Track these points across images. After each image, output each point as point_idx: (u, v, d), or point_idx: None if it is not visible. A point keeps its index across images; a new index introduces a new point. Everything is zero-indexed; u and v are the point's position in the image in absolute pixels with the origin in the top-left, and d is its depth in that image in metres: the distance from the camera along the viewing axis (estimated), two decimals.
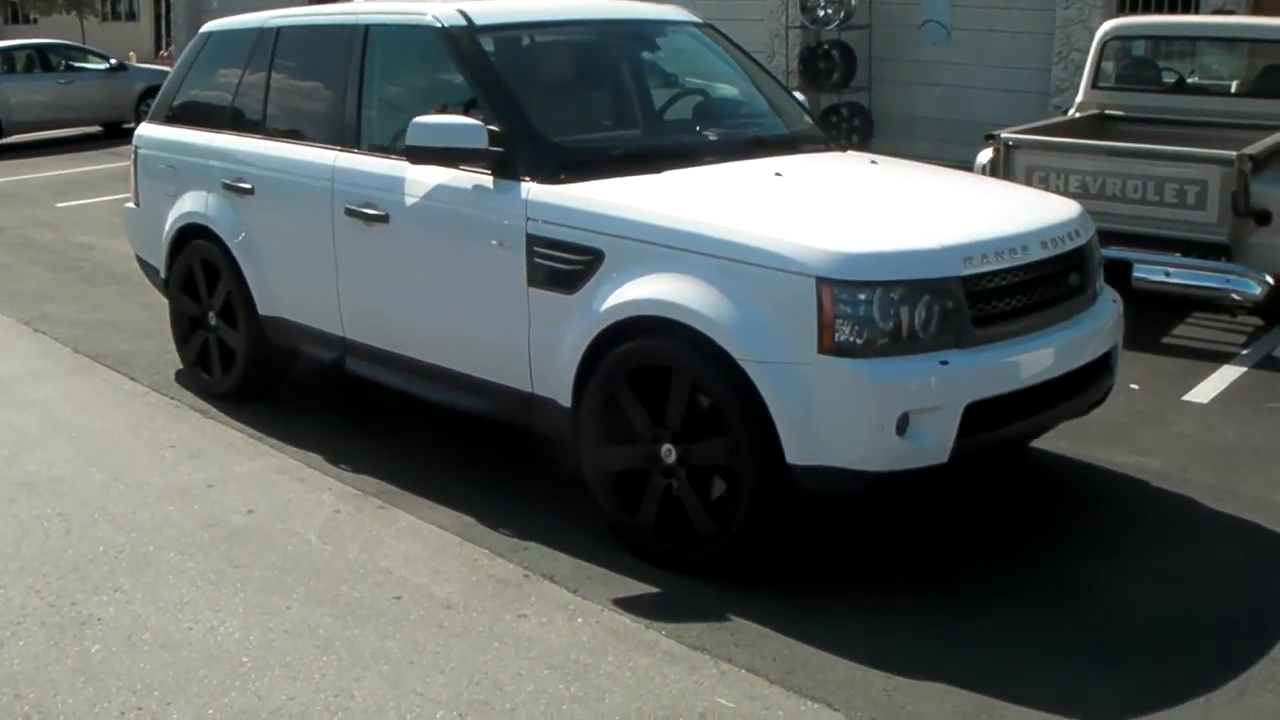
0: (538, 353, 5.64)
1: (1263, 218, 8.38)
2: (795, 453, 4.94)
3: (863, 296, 4.82)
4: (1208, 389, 7.73)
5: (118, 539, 5.58)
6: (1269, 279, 8.30)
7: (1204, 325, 9.06)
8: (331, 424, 7.00)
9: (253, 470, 6.35)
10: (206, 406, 7.29)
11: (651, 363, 5.24)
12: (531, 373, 5.69)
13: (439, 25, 6.24)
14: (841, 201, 5.74)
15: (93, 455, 6.54)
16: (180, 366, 7.77)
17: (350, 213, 6.32)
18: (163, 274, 7.67)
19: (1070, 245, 5.56)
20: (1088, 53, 10.81)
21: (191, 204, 7.33)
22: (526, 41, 6.58)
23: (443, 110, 6.00)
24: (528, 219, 5.58)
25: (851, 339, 4.83)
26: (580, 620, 4.93)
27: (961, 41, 14.88)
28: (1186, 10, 13.38)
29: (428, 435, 6.81)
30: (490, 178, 5.76)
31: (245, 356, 7.18)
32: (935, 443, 4.94)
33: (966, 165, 6.73)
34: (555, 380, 5.57)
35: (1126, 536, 5.70)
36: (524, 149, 5.75)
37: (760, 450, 4.98)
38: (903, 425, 4.87)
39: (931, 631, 4.88)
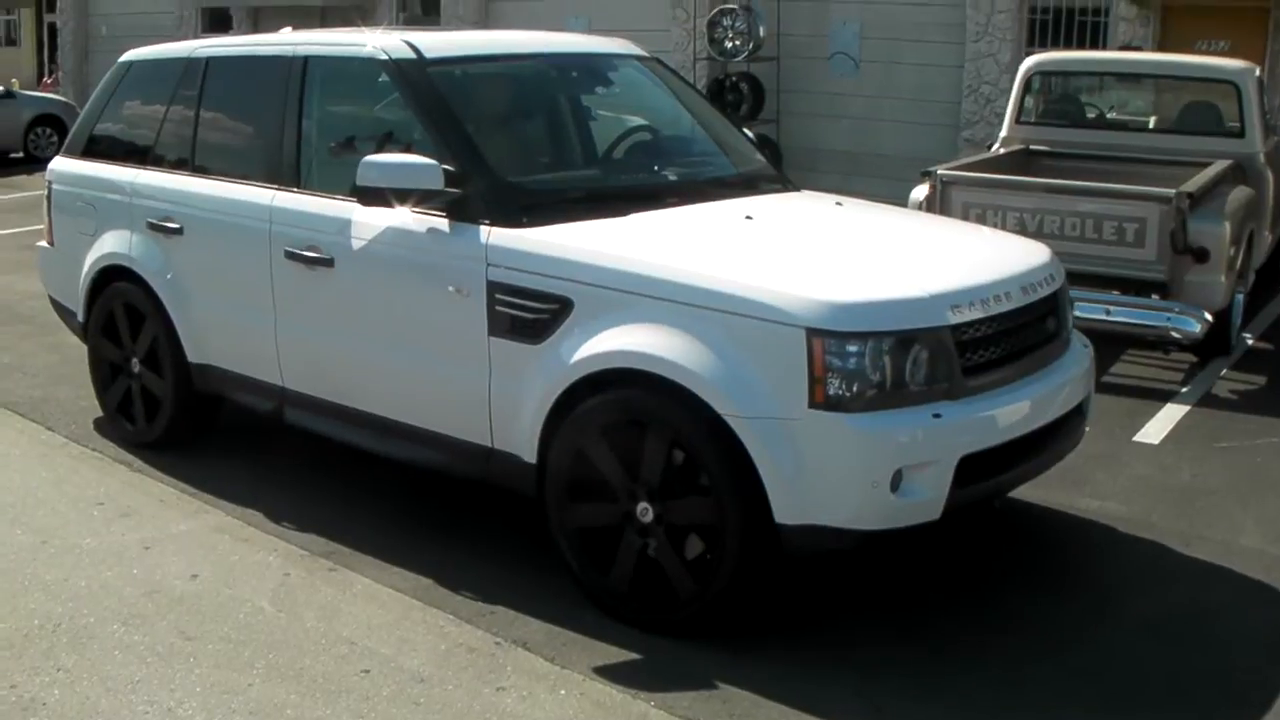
0: (499, 405, 5.35)
1: (1200, 255, 8.33)
2: (785, 512, 4.71)
3: (854, 348, 4.61)
4: (1156, 429, 7.66)
5: (54, 610, 5.15)
6: (1208, 317, 8.23)
7: (1141, 363, 9.00)
8: (268, 477, 6.62)
9: (190, 530, 5.95)
10: (131, 458, 6.86)
11: (627, 417, 4.98)
12: (492, 426, 5.40)
13: (386, 58, 5.93)
14: (820, 247, 5.52)
15: (15, 514, 6.09)
16: (100, 414, 7.34)
17: (291, 255, 5.98)
18: (80, 317, 7.25)
19: (1047, 290, 5.43)
20: (997, 85, 10.78)
21: (113, 244, 6.93)
22: (478, 76, 6.27)
23: (386, 147, 5.72)
24: (488, 264, 5.29)
25: (843, 392, 4.62)
26: (563, 692, 4.64)
27: (870, 74, 14.82)
28: (1095, 43, 13.38)
29: (374, 489, 6.45)
30: (446, 220, 5.46)
31: (172, 405, 6.80)
32: (930, 498, 4.75)
33: (877, 199, 6.61)
34: (518, 434, 5.29)
35: (1104, 583, 5.59)
36: (482, 190, 5.47)
37: (747, 509, 4.75)
38: (896, 481, 4.67)
39: (925, 686, 4.69)
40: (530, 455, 5.24)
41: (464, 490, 6.04)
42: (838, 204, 6.21)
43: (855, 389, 4.62)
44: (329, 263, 5.83)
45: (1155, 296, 8.37)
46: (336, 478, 6.57)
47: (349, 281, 5.81)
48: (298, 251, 5.95)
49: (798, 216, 6.00)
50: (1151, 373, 8.84)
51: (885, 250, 5.56)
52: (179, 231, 6.57)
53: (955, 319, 4.85)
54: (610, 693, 4.63)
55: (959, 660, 4.89)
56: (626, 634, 5.01)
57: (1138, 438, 7.46)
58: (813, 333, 4.59)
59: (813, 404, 4.62)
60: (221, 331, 6.49)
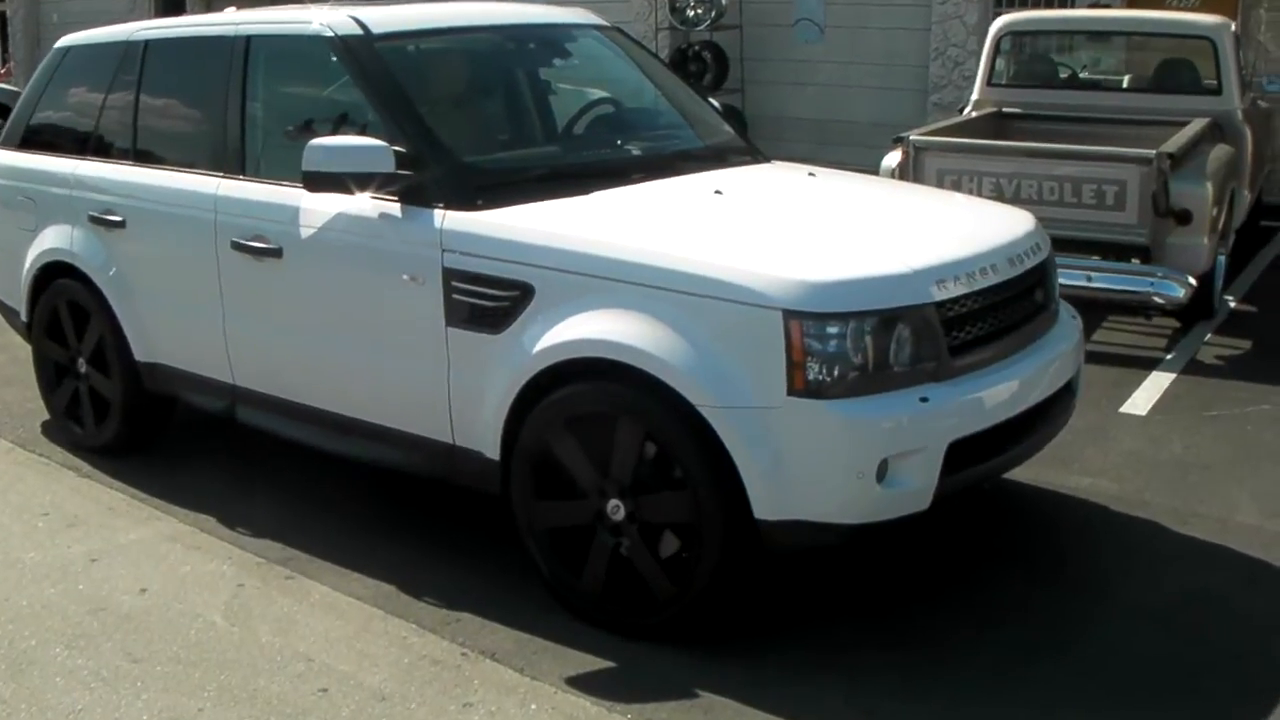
0: (459, 399, 5.05)
1: (1183, 217, 8.05)
2: (764, 507, 4.42)
3: (835, 330, 4.33)
4: (1143, 399, 7.39)
5: None
6: (1191, 280, 7.96)
7: (1122, 330, 8.74)
8: (223, 480, 6.27)
9: (140, 539, 5.61)
10: (79, 463, 6.52)
11: (594, 409, 4.69)
12: (452, 422, 5.10)
13: (331, 35, 5.58)
14: (794, 222, 5.21)
15: None
16: (47, 417, 6.99)
17: (237, 246, 5.65)
18: (24, 316, 6.91)
19: (1034, 260, 5.15)
20: (964, 48, 10.48)
21: (54, 239, 6.58)
22: (429, 52, 5.92)
23: (337, 130, 5.41)
24: (444, 250, 4.97)
25: (824, 378, 4.34)
26: (534, 707, 4.34)
27: (835, 40, 14.44)
28: (1065, 2, 13.06)
29: (332, 491, 6.10)
30: (398, 205, 5.14)
31: (121, 406, 6.45)
32: (918, 488, 4.47)
33: (848, 167, 6.35)
34: (480, 430, 4.99)
35: (1099, 568, 5.32)
36: (435, 172, 5.14)
37: (725, 505, 4.47)
38: (882, 471, 4.39)
39: (917, 688, 4.42)
40: (493, 452, 4.96)
41: (425, 490, 5.74)
42: (810, 175, 5.91)
43: (837, 373, 4.34)
44: (277, 253, 5.51)
45: (1135, 261, 8.07)
46: (293, 480, 6.24)
47: (298, 272, 5.49)
48: (244, 242, 5.63)
49: (769, 190, 5.69)
50: (1134, 339, 8.57)
51: (863, 223, 5.27)
52: (121, 224, 6.23)
53: (940, 295, 4.57)
54: (584, 705, 4.34)
55: (952, 658, 4.62)
56: (601, 640, 4.73)
57: (1125, 409, 7.19)
58: (790, 315, 4.31)
59: (792, 391, 4.34)
60: (169, 328, 6.17)
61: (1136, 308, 8.14)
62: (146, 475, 6.30)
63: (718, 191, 5.35)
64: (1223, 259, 8.90)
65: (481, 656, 4.65)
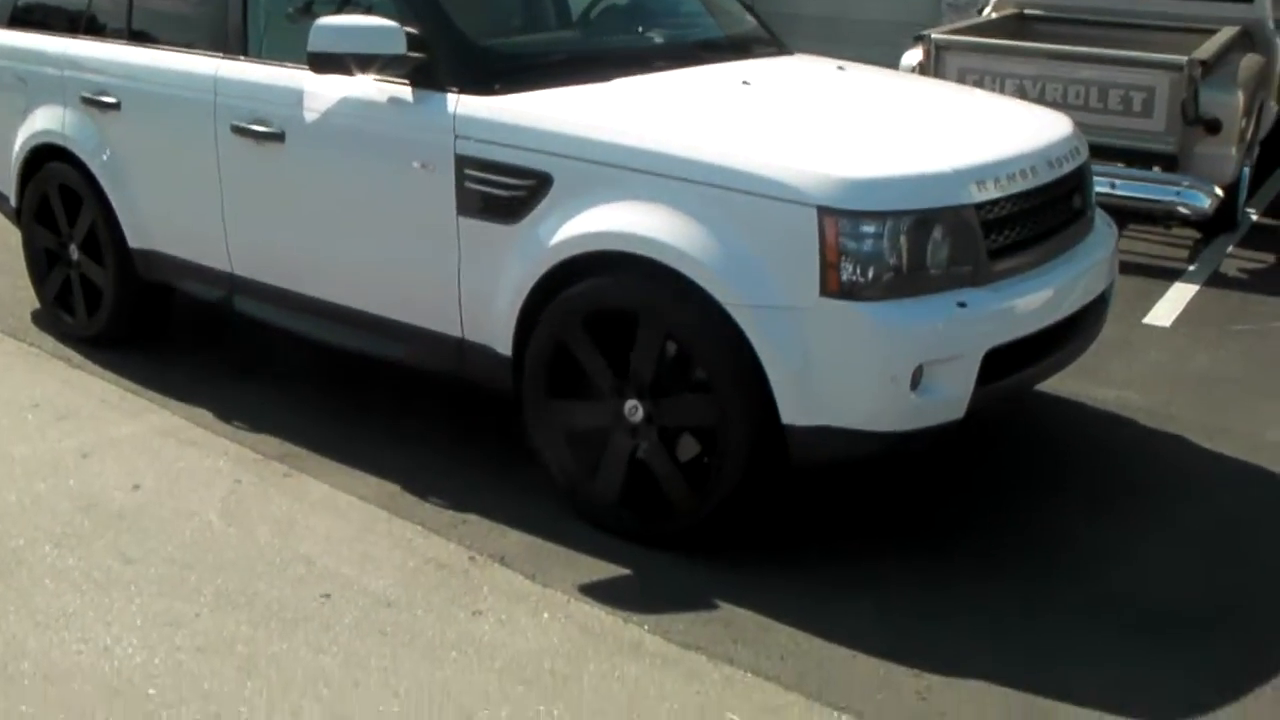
0: (470, 292, 4.83)
1: (1212, 126, 7.77)
2: (792, 411, 4.22)
3: (872, 229, 4.10)
4: (1166, 311, 7.17)
5: None
6: (1218, 191, 7.71)
7: (1143, 239, 8.50)
8: (220, 373, 6.02)
9: (133, 433, 5.37)
10: (71, 353, 6.26)
11: (614, 306, 4.48)
12: (462, 316, 4.89)
13: None
14: (827, 117, 4.95)
15: None
16: (37, 306, 6.72)
17: (238, 130, 5.36)
18: (13, 202, 6.61)
19: (1073, 164, 4.90)
20: None
21: (45, 121, 6.27)
22: None
23: (343, 9, 5.14)
24: (457, 136, 4.72)
25: (859, 279, 4.12)
26: (546, 616, 4.14)
27: None
28: None
29: (333, 385, 5.88)
30: (409, 88, 4.87)
31: (114, 295, 6.19)
32: (952, 396, 4.27)
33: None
34: (491, 325, 4.79)
35: (1131, 487, 5.11)
36: (449, 54, 4.88)
37: (751, 409, 4.27)
38: (917, 378, 4.19)
39: (953, 608, 4.22)
40: (505, 348, 4.76)
41: (430, 387, 5.51)
42: (839, 69, 5.64)
43: (872, 275, 4.13)
44: (279, 138, 5.24)
45: (1156, 169, 7.80)
46: (292, 373, 6.01)
47: (302, 158, 5.22)
48: (245, 126, 5.34)
49: (798, 82, 5.41)
50: (1155, 249, 8.33)
51: (899, 120, 5.01)
52: (116, 106, 5.93)
53: (980, 196, 4.33)
54: (599, 616, 4.14)
55: (984, 579, 4.40)
56: (615, 547, 4.52)
57: (1148, 320, 6.99)
58: (825, 212, 4.08)
59: (825, 292, 4.13)
60: (164, 214, 5.89)
61: (1159, 217, 7.91)
62: (140, 367, 6.04)
63: (745, 82, 5.09)
64: (1247, 171, 8.64)
65: (490, 561, 4.45)
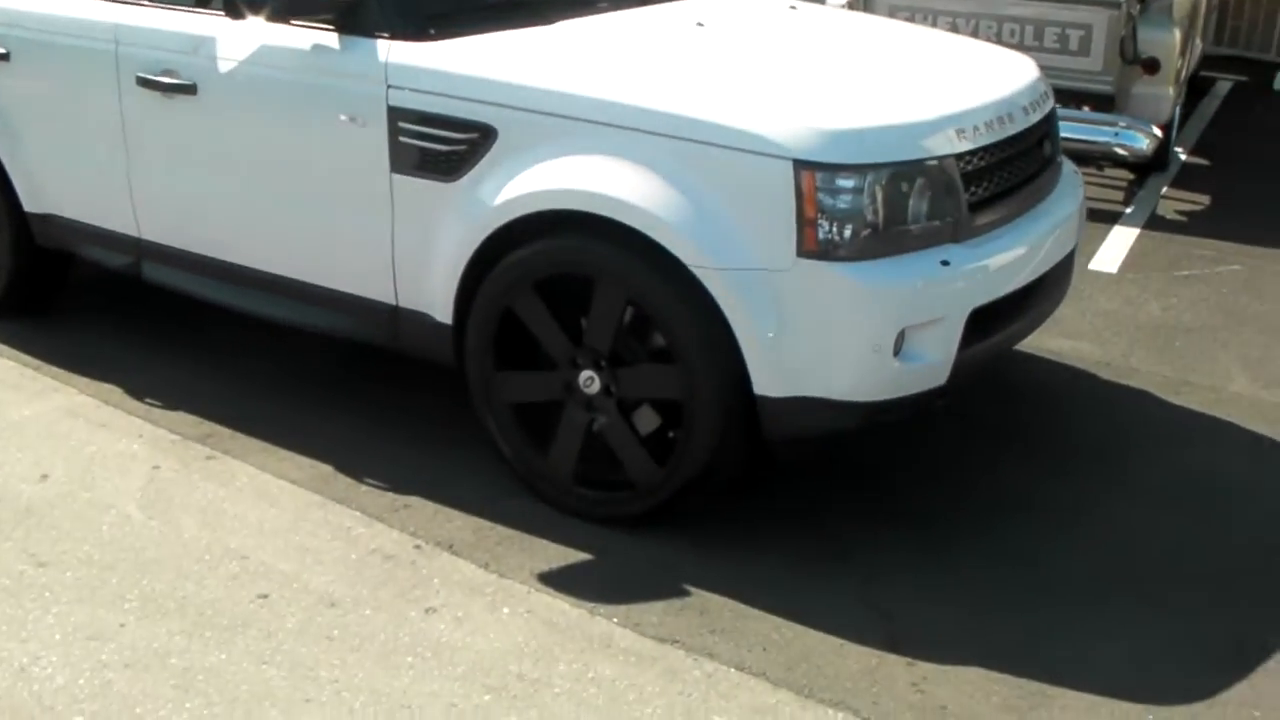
0: (405, 256, 4.46)
1: (1150, 65, 7.53)
2: (767, 382, 3.92)
3: (850, 183, 3.80)
4: (1110, 255, 6.92)
5: None
6: (1156, 132, 7.47)
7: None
8: (130, 345, 5.51)
9: (36, 414, 4.90)
10: None
11: (567, 269, 4.14)
12: (396, 281, 4.52)
13: None
14: (793, 62, 4.59)
15: None
16: None
17: (144, 82, 4.88)
18: None
19: (1044, 109, 4.64)
20: None
21: None
22: None
23: None
24: (389, 87, 4.32)
25: (838, 237, 3.82)
26: (506, 611, 3.79)
27: None
28: None
29: (255, 356, 5.44)
30: (335, 34, 4.45)
31: (9, 263, 5.68)
32: (936, 361, 3.99)
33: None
34: (429, 291, 4.43)
35: (1098, 444, 4.88)
36: None
37: (720, 380, 3.97)
38: (899, 343, 3.90)
39: (934, 584, 3.99)
40: (445, 315, 4.41)
41: (363, 356, 5.12)
42: (791, 7, 5.30)
43: (851, 233, 3.82)
44: (190, 89, 4.78)
45: (1086, 109, 7.53)
46: (208, 345, 5.53)
47: (216, 111, 4.77)
48: (152, 77, 4.87)
49: (754, 24, 5.05)
50: (1092, 191, 7.99)
51: (866, 64, 4.67)
52: (5, 57, 5.40)
53: (961, 146, 4.03)
54: (563, 608, 3.81)
55: (965, 549, 4.17)
56: (572, 529, 4.21)
57: (1094, 266, 6.73)
58: (802, 165, 3.76)
59: (802, 252, 3.82)
60: (64, 175, 5.39)
61: (1095, 158, 7.64)
62: (42, 341, 5.54)
63: (699, 24, 4.75)
64: (1178, 110, 8.40)
65: (438, 549, 4.10)
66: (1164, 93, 7.65)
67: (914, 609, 3.84)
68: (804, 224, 3.79)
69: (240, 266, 4.93)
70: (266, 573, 3.94)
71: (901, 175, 3.87)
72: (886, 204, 3.86)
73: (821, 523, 4.30)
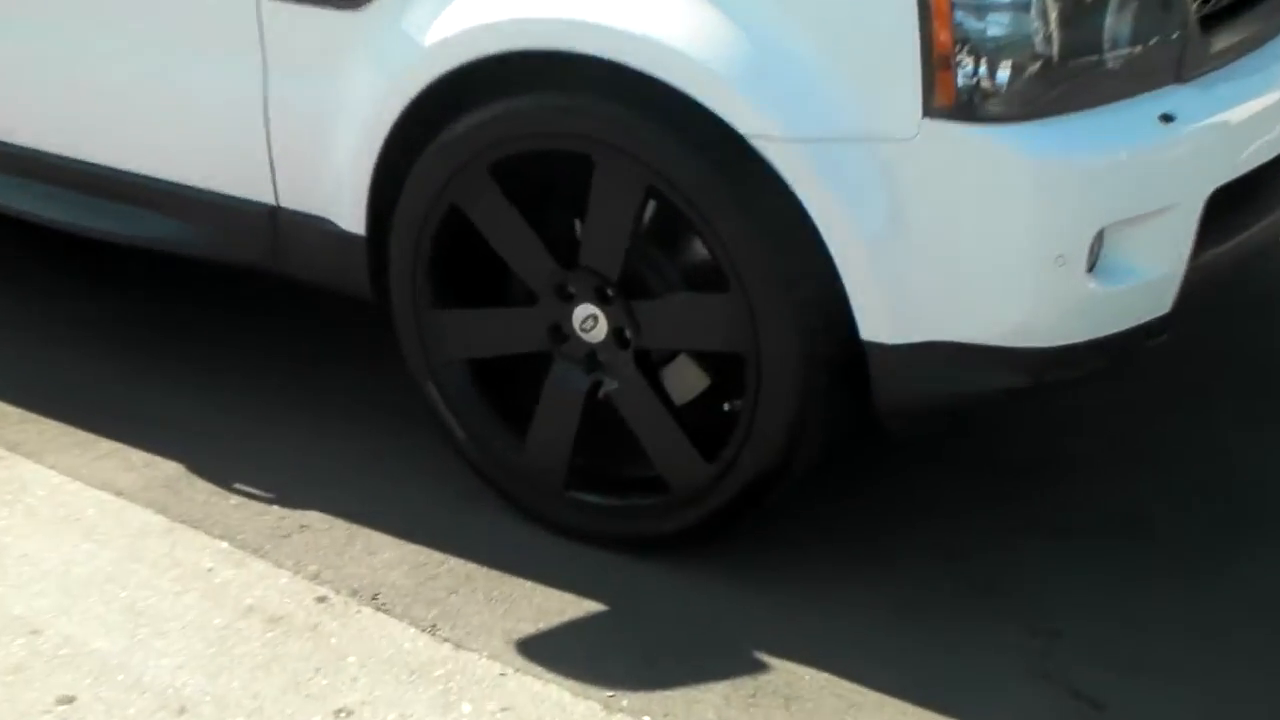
0: (286, 129, 4.23)
1: None
2: (880, 322, 3.52)
3: None
4: None
5: None
6: None
7: None
8: None
9: None
10: None
11: (552, 146, 3.80)
12: (274, 169, 4.31)
13: None
14: None
15: None
16: None
17: None
18: None
19: None
20: None
21: None
22: None
23: None
24: None
25: (989, 83, 3.42)
26: (468, 710, 3.35)
27: None
28: None
29: (65, 297, 5.25)
30: None
31: None
32: (1155, 276, 3.61)
33: None
34: (327, 183, 4.20)
35: None
36: None
37: (803, 318, 3.60)
38: (1096, 251, 3.52)
39: (1157, 662, 3.56)
40: (353, 221, 4.17)
41: (223, 294, 5.07)
42: None
43: (1011, 74, 3.42)
44: None
45: None
46: None
47: None
48: None
49: None
50: None
51: None
52: None
53: None
54: (559, 700, 3.39)
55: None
56: (568, 559, 3.90)
57: None
58: None
59: (932, 110, 3.39)
60: None
61: None
62: None
63: None
64: None
65: (355, 603, 3.70)
66: None
67: (1128, 693, 3.42)
68: (934, 63, 3.39)
69: (41, 154, 4.81)
70: (71, 659, 3.49)
71: None
72: (1066, 23, 3.48)
73: (942, 538, 3.96)
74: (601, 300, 3.82)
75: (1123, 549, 3.92)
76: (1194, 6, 3.64)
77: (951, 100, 3.40)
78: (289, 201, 4.29)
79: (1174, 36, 3.60)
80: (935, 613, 3.71)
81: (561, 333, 3.89)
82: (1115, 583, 3.80)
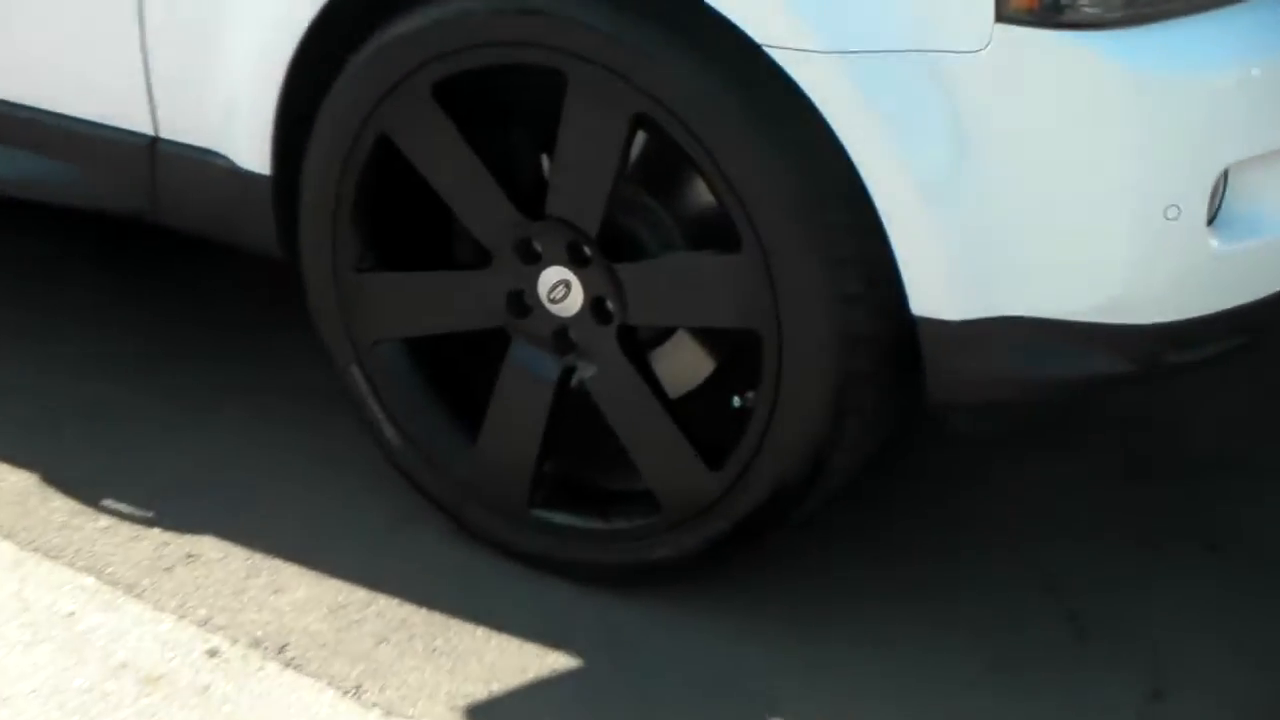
0: (166, 39, 4.09)
1: None
2: (938, 293, 3.40)
3: None
4: None
5: None
6: None
7: None
8: None
9: None
10: None
11: (511, 60, 3.67)
12: (151, 91, 4.17)
13: None
14: None
15: None
16: None
17: None
18: None
19: None
20: None
21: None
22: None
23: None
24: None
25: None
26: None
27: None
28: None
29: None
30: None
31: None
32: None
33: None
34: (220, 109, 4.08)
35: None
36: None
37: (839, 285, 3.46)
38: (1218, 196, 3.40)
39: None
40: (253, 157, 4.06)
41: (89, 254, 5.00)
42: None
43: None
44: None
45: None
46: None
47: None
48: None
49: None
50: None
51: None
52: None
53: None
54: None
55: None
56: (532, 596, 3.78)
57: None
58: None
59: (1007, 13, 3.27)
60: None
61: None
62: None
63: None
64: None
65: (257, 656, 3.56)
66: None
67: None
68: None
69: None
70: None
71: None
72: None
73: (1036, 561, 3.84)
74: (576, 261, 3.68)
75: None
76: None
77: (1035, 3, 3.27)
78: (171, 131, 4.16)
79: None
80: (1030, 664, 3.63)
81: (523, 303, 3.76)
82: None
